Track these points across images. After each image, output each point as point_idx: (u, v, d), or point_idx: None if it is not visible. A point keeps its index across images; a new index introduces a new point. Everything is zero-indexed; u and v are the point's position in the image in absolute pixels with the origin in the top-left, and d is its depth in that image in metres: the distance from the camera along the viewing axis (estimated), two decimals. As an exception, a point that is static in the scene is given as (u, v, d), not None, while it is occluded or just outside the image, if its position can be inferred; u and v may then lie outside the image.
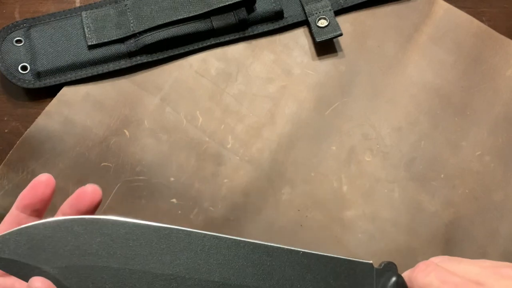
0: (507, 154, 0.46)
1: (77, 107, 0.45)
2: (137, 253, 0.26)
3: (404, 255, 0.43)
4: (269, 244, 0.28)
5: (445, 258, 0.31)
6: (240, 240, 0.28)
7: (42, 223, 0.26)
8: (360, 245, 0.43)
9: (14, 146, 0.44)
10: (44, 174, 0.29)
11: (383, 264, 0.30)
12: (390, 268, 0.30)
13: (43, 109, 0.45)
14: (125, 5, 0.46)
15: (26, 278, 0.26)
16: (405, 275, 0.31)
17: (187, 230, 0.27)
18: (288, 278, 0.28)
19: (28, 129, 0.44)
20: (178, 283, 0.26)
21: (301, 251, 0.28)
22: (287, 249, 0.28)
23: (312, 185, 0.44)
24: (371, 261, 0.30)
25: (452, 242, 0.43)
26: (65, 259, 0.26)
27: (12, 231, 0.26)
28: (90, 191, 0.29)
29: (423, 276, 0.29)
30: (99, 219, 0.27)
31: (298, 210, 0.43)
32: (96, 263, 0.26)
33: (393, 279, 0.30)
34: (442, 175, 0.45)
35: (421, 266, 0.30)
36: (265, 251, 0.28)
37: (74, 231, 0.26)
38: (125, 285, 0.26)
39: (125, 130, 0.45)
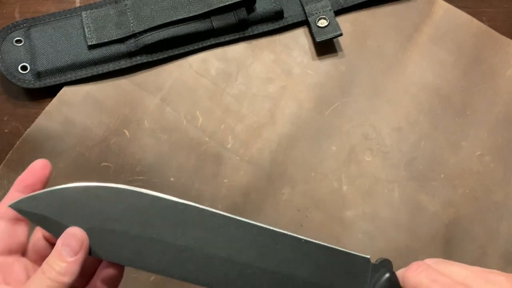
0: (507, 154, 0.46)
1: (77, 107, 0.45)
2: (154, 223, 0.29)
3: (404, 255, 0.43)
4: (274, 229, 0.30)
5: (439, 260, 0.32)
6: (248, 222, 0.30)
7: (72, 187, 0.29)
8: (360, 245, 0.43)
9: (14, 146, 0.44)
10: (40, 159, 0.31)
11: (379, 260, 0.32)
12: (385, 265, 0.32)
13: (43, 109, 0.45)
14: (125, 5, 0.46)
15: (55, 234, 0.28)
16: (399, 273, 0.32)
17: (200, 208, 0.30)
18: (288, 262, 0.30)
19: (28, 129, 0.44)
20: (188, 254, 0.29)
21: (303, 238, 0.30)
22: (291, 235, 0.30)
23: (312, 185, 0.44)
24: (368, 256, 0.32)
25: (452, 242, 0.43)
26: (89, 221, 0.29)
27: (45, 191, 0.28)
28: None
29: (414, 275, 0.30)
30: (124, 188, 0.29)
31: (298, 210, 0.43)
32: (117, 228, 0.29)
33: (386, 275, 0.31)
34: (442, 175, 0.45)
35: (413, 266, 0.31)
36: (270, 235, 0.30)
37: (100, 196, 0.29)
38: (141, 251, 0.29)
39: (125, 130, 0.45)
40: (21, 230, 0.30)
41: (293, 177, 0.44)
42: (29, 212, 0.28)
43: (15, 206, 0.28)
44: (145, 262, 0.29)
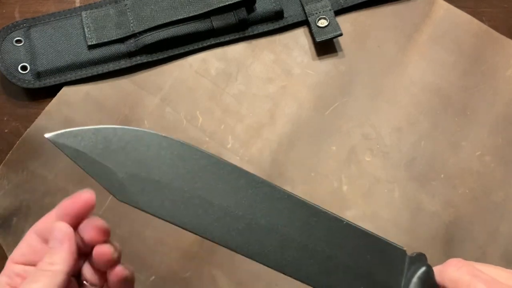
0: (507, 154, 0.46)
1: (77, 107, 0.45)
2: (200, 180, 0.28)
3: (404, 255, 0.43)
4: (318, 206, 0.30)
5: (470, 261, 0.31)
6: (293, 195, 0.29)
7: (121, 129, 0.27)
8: None
9: (14, 146, 0.44)
10: (87, 191, 0.30)
11: (415, 254, 0.31)
12: (421, 258, 0.31)
13: (43, 109, 0.45)
14: (125, 5, 0.46)
15: (95, 175, 0.27)
16: (436, 268, 0.31)
17: (248, 173, 0.29)
18: (329, 242, 0.29)
19: (28, 129, 0.44)
20: (231, 218, 0.28)
21: (345, 220, 0.30)
22: (333, 215, 0.30)
23: (312, 185, 0.44)
24: (405, 248, 0.31)
25: (452, 242, 0.43)
26: (135, 167, 0.27)
27: (92, 128, 0.27)
28: (84, 198, 0.30)
29: (454, 270, 0.29)
30: (174, 139, 0.28)
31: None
32: (161, 178, 0.27)
33: (423, 268, 0.30)
34: (442, 175, 0.45)
35: (453, 261, 0.30)
36: (312, 211, 0.29)
37: (148, 143, 0.28)
38: (183, 206, 0.27)
39: (125, 130, 0.45)
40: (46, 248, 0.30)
41: (293, 177, 0.44)
42: (69, 147, 0.27)
43: (55, 139, 0.27)
44: (186, 219, 0.28)
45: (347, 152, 0.45)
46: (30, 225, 0.41)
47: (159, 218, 0.28)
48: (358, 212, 0.44)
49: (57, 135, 0.27)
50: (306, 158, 0.45)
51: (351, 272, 0.29)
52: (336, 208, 0.44)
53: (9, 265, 0.30)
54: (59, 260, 0.28)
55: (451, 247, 0.43)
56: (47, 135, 0.27)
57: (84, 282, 0.31)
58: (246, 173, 0.29)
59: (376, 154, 0.45)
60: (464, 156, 0.45)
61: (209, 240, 0.28)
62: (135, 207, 0.27)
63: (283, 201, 0.29)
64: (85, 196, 0.30)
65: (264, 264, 0.28)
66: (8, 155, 0.43)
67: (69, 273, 0.28)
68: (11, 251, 0.41)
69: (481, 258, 0.43)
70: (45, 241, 0.30)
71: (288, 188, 0.44)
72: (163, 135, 0.28)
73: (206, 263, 0.41)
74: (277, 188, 0.29)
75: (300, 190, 0.44)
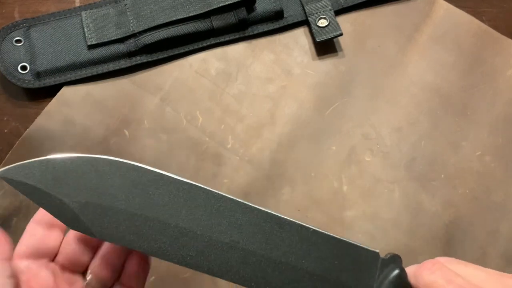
0: (507, 154, 0.46)
1: (77, 107, 0.45)
2: (155, 202, 0.27)
3: (404, 255, 0.42)
4: (282, 216, 0.29)
5: (452, 260, 0.30)
6: (254, 207, 0.29)
7: (68, 157, 0.27)
8: (360, 245, 0.43)
9: (14, 146, 0.43)
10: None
11: (389, 255, 0.31)
12: (395, 260, 0.31)
13: (42, 109, 0.45)
14: (125, 5, 0.46)
15: (47, 207, 0.27)
16: (410, 270, 0.31)
17: (206, 189, 0.28)
18: (295, 251, 0.29)
19: (27, 129, 0.44)
20: (189, 237, 0.27)
21: (312, 228, 0.29)
22: (299, 223, 0.29)
23: (312, 185, 0.44)
24: (377, 250, 0.30)
25: (452, 242, 0.43)
26: (86, 195, 0.27)
27: (37, 160, 0.27)
28: None
29: (428, 274, 0.29)
30: (125, 162, 0.27)
31: (298, 210, 0.43)
32: (114, 204, 0.27)
33: (396, 271, 0.30)
34: (442, 175, 0.45)
35: (427, 264, 0.30)
36: (277, 222, 0.29)
37: (98, 170, 0.27)
38: (138, 230, 0.27)
39: (125, 130, 0.45)
40: (54, 235, 0.29)
41: (293, 177, 0.44)
42: (18, 182, 0.26)
43: (3, 175, 0.26)
44: (142, 243, 0.27)
45: (347, 152, 0.45)
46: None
47: (116, 244, 0.27)
48: (358, 212, 0.44)
49: (4, 170, 0.26)
50: (306, 158, 0.45)
51: (317, 279, 0.29)
52: (336, 208, 0.44)
53: (4, 264, 0.27)
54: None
55: (451, 247, 0.43)
56: None
57: (88, 277, 0.30)
58: (203, 190, 0.28)
59: (376, 154, 0.45)
60: (464, 156, 0.45)
61: (171, 261, 0.27)
62: (90, 236, 0.27)
63: (245, 215, 0.28)
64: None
65: (227, 280, 0.28)
66: (8, 155, 0.43)
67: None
68: (11, 251, 0.41)
69: (481, 258, 0.43)
70: (49, 226, 0.29)
71: (288, 188, 0.44)
72: (112, 158, 0.28)
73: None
74: (237, 202, 0.28)
75: (300, 190, 0.44)
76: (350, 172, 0.44)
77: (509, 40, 0.49)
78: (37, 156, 0.43)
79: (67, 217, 0.27)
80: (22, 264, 0.28)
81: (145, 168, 0.28)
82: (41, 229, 0.29)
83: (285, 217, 0.29)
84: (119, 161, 0.28)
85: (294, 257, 0.29)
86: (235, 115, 0.46)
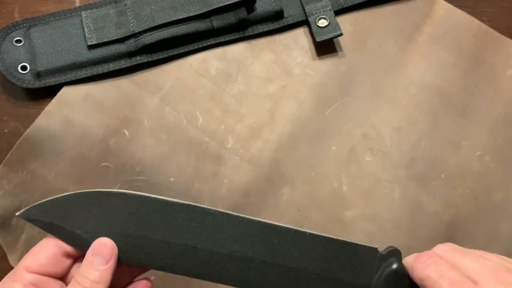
0: (507, 154, 0.45)
1: (77, 107, 0.45)
2: (157, 225, 0.30)
3: (404, 255, 0.42)
4: (278, 224, 0.31)
5: (452, 248, 0.31)
6: (250, 219, 0.31)
7: (76, 194, 0.30)
8: None
9: (14, 146, 0.43)
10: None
11: (387, 250, 0.32)
12: (394, 254, 0.32)
13: (43, 109, 0.45)
14: (125, 5, 0.46)
15: (63, 238, 0.30)
16: (408, 261, 0.31)
17: (202, 207, 0.30)
18: (293, 255, 0.30)
19: (28, 129, 0.44)
20: (192, 252, 0.30)
21: (307, 232, 0.31)
22: (295, 229, 0.31)
23: (312, 185, 0.44)
24: (376, 246, 0.31)
25: (452, 242, 0.43)
26: (94, 225, 0.30)
27: (47, 200, 0.30)
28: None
29: (422, 268, 0.29)
30: (125, 193, 0.30)
31: (298, 210, 0.43)
32: (121, 230, 0.30)
33: (394, 266, 0.31)
34: (442, 175, 0.45)
35: (423, 257, 0.30)
36: (274, 230, 0.31)
37: (101, 202, 0.30)
38: (143, 251, 0.30)
39: (125, 130, 0.45)
40: (68, 262, 0.30)
41: (293, 177, 0.44)
42: (37, 220, 0.30)
43: (23, 216, 0.30)
44: (150, 261, 0.30)
45: (347, 152, 0.45)
46: (30, 225, 0.42)
47: (129, 263, 0.30)
48: (358, 212, 0.44)
49: (25, 212, 0.30)
50: (306, 158, 0.45)
51: (317, 278, 0.30)
52: (336, 208, 0.44)
53: (22, 272, 0.28)
54: (103, 280, 0.28)
55: (451, 247, 0.43)
56: (18, 214, 0.30)
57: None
58: (200, 209, 0.30)
59: (376, 154, 0.45)
60: (464, 156, 0.45)
61: (178, 274, 0.31)
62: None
63: (241, 228, 0.30)
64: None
65: (230, 285, 0.30)
66: (8, 155, 0.43)
67: None
68: (10, 251, 0.41)
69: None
70: (66, 255, 0.30)
71: (288, 188, 0.44)
72: (113, 191, 0.30)
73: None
74: (233, 216, 0.30)
75: (300, 190, 0.44)
76: (350, 172, 0.44)
77: (509, 40, 0.49)
78: (37, 157, 0.43)
79: (81, 245, 0.30)
80: (32, 277, 0.29)
81: (145, 196, 0.30)
82: (59, 253, 0.30)
83: (281, 225, 0.31)
84: (119, 192, 0.30)
85: (293, 260, 0.30)
86: (235, 115, 0.46)
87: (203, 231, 0.30)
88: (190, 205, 0.30)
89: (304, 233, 0.31)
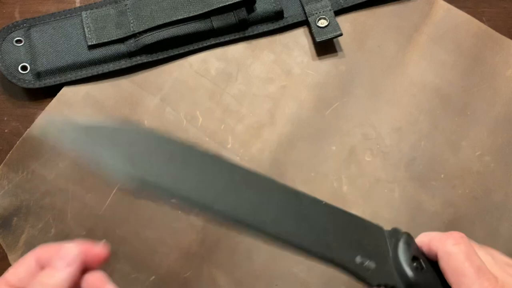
0: (507, 154, 0.46)
1: (77, 107, 0.45)
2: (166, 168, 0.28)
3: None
4: (298, 190, 0.31)
5: (475, 244, 0.31)
6: (273, 180, 0.31)
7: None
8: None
9: (14, 146, 0.44)
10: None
11: (391, 228, 0.32)
12: (398, 231, 0.32)
13: (43, 109, 0.45)
14: (125, 5, 0.46)
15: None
16: (428, 235, 0.31)
17: (225, 162, 0.30)
18: (316, 220, 0.30)
19: (28, 129, 0.44)
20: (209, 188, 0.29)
21: (323, 201, 0.31)
22: (312, 197, 0.31)
23: (312, 185, 0.44)
24: (381, 225, 0.32)
25: (452, 242, 0.43)
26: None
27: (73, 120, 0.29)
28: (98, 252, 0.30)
29: (452, 243, 0.29)
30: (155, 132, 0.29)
31: (325, 202, 0.43)
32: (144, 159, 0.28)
33: (405, 235, 0.31)
34: (442, 175, 0.45)
35: (455, 234, 0.30)
36: (294, 194, 0.31)
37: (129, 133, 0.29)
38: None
39: (125, 130, 0.45)
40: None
41: (293, 177, 0.44)
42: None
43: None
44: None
45: (347, 152, 0.45)
46: (30, 225, 0.42)
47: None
48: (358, 212, 0.43)
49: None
50: (306, 158, 0.45)
51: (344, 241, 0.30)
52: (336, 208, 0.44)
53: (2, 286, 0.28)
54: (60, 282, 0.27)
55: (451, 247, 0.43)
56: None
57: None
58: (226, 163, 0.30)
59: (376, 154, 0.45)
60: (464, 156, 0.45)
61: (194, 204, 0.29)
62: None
63: (263, 186, 0.31)
64: (99, 251, 0.30)
65: (265, 234, 0.29)
66: (8, 155, 0.43)
67: None
68: (11, 251, 0.41)
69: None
70: (43, 268, 0.29)
71: (288, 188, 0.44)
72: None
73: (206, 263, 0.41)
74: (254, 173, 0.31)
75: (300, 190, 0.44)
76: (350, 172, 0.44)
77: (509, 40, 0.49)
78: (37, 157, 0.43)
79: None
80: None
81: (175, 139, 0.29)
82: (36, 267, 0.29)
83: (300, 191, 0.32)
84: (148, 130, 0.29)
85: (319, 223, 0.30)
86: (235, 115, 0.46)
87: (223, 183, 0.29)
88: (213, 155, 0.30)
89: (320, 201, 0.31)
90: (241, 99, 0.46)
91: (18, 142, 0.44)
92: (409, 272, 0.29)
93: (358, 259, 0.30)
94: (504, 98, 0.47)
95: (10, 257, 0.41)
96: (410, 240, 0.31)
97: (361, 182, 0.44)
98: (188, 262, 0.41)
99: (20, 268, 0.29)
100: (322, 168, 0.44)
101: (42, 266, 0.29)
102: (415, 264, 0.30)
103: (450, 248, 0.29)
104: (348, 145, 0.45)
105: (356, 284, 0.33)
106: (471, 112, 0.47)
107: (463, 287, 0.28)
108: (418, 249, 0.31)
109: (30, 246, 0.41)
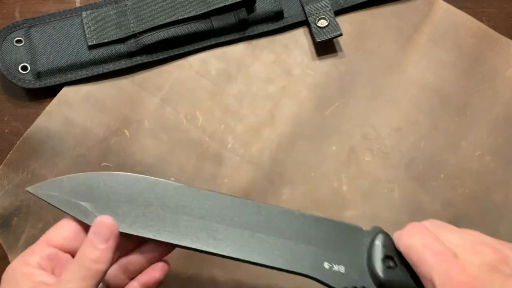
0: (507, 154, 0.46)
1: (77, 107, 0.45)
2: (168, 201, 0.31)
3: (404, 255, 0.43)
4: (267, 204, 0.32)
5: (436, 223, 0.32)
6: (242, 200, 0.32)
7: (82, 175, 0.32)
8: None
9: (14, 146, 0.44)
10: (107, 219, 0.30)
11: (371, 228, 0.33)
12: (377, 229, 0.33)
13: (43, 109, 0.45)
14: (125, 5, 0.46)
15: (75, 213, 0.30)
16: (397, 233, 0.32)
17: (196, 191, 0.32)
18: (285, 231, 0.32)
19: (28, 129, 0.44)
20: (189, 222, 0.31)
21: (296, 211, 0.32)
22: (284, 209, 0.32)
23: (312, 185, 0.44)
24: (360, 225, 0.33)
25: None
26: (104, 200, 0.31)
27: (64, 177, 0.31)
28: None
29: (408, 237, 0.31)
30: (131, 175, 0.32)
31: (298, 210, 0.43)
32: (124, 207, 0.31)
33: (380, 234, 0.32)
34: (442, 175, 0.45)
35: (410, 227, 0.32)
36: (264, 209, 0.32)
37: (107, 184, 0.31)
38: (153, 222, 0.31)
39: (125, 130, 0.45)
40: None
41: (293, 177, 0.44)
42: (46, 195, 0.30)
43: (33, 190, 0.30)
44: (157, 232, 0.31)
45: (347, 152, 0.45)
46: (31, 225, 0.42)
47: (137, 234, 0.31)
48: (358, 212, 0.44)
49: (34, 188, 0.31)
50: (306, 158, 0.45)
51: (312, 249, 0.31)
52: (336, 208, 0.44)
53: (42, 245, 0.29)
54: (103, 259, 0.28)
55: (451, 247, 0.43)
56: (27, 188, 0.31)
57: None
58: (211, 193, 0.32)
59: (376, 154, 0.45)
60: (464, 156, 0.45)
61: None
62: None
63: (238, 207, 0.32)
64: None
65: (234, 259, 0.30)
66: (9, 155, 0.43)
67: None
68: (11, 251, 0.41)
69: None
70: (86, 230, 0.30)
71: (288, 188, 0.44)
72: (120, 173, 0.32)
73: (206, 263, 0.41)
74: (230, 197, 0.32)
75: (300, 190, 0.44)
76: (350, 172, 0.44)
77: (509, 40, 0.49)
78: (37, 157, 0.43)
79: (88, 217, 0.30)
80: (51, 251, 0.29)
81: (149, 178, 0.32)
82: (79, 228, 0.30)
83: (269, 204, 0.32)
84: (125, 175, 0.32)
85: (288, 236, 0.31)
86: (235, 115, 0.46)
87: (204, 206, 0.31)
88: (192, 188, 0.32)
89: (292, 211, 0.32)
90: (241, 99, 0.46)
91: (18, 142, 0.44)
92: (379, 271, 0.30)
93: (326, 265, 0.30)
94: (504, 98, 0.47)
95: (10, 257, 0.41)
96: (385, 239, 0.32)
97: (361, 182, 0.44)
98: (188, 262, 0.41)
99: (62, 229, 0.30)
100: (322, 168, 0.44)
101: (85, 228, 0.30)
102: (389, 262, 0.31)
103: (408, 242, 0.30)
104: (348, 145, 0.45)
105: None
106: (471, 112, 0.47)
107: (427, 275, 0.29)
108: (394, 248, 0.31)
109: (30, 246, 0.41)
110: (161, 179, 0.32)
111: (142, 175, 0.32)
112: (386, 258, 0.31)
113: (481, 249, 0.29)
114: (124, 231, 0.30)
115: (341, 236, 0.32)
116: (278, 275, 0.31)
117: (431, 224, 0.32)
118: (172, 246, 0.32)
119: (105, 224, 0.29)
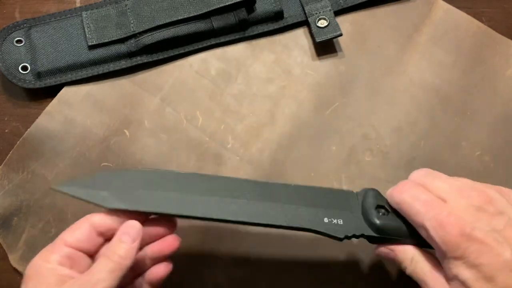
0: (507, 154, 0.46)
1: (77, 107, 0.45)
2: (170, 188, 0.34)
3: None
4: (269, 181, 0.36)
5: (425, 172, 0.35)
6: (242, 180, 0.35)
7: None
8: (360, 245, 0.43)
9: (15, 146, 0.44)
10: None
11: (362, 190, 0.37)
12: (366, 189, 0.36)
13: (43, 109, 0.45)
14: (125, 5, 0.46)
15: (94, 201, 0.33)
16: (388, 192, 0.35)
17: (207, 176, 0.36)
18: (286, 198, 0.35)
19: (28, 129, 0.44)
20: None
21: (292, 184, 0.36)
22: (280, 183, 0.36)
23: (312, 184, 0.44)
24: (352, 190, 0.37)
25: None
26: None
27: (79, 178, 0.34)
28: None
29: (398, 194, 0.33)
30: (146, 171, 0.35)
31: (295, 184, 0.43)
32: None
33: (371, 190, 0.36)
34: (442, 175, 0.45)
35: (399, 185, 0.34)
36: (264, 185, 0.36)
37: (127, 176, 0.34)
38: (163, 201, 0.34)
39: (125, 130, 0.45)
40: (99, 241, 0.33)
41: (293, 177, 0.44)
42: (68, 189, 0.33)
43: (56, 188, 0.33)
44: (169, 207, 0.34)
45: (347, 152, 0.45)
46: (31, 225, 0.42)
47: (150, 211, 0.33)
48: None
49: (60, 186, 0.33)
50: (306, 158, 0.45)
51: (312, 209, 0.35)
52: (336, 208, 0.44)
53: (60, 245, 0.31)
54: (129, 255, 0.30)
55: (451, 247, 0.43)
56: (51, 187, 0.34)
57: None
58: (210, 176, 0.36)
59: (376, 154, 0.45)
60: (464, 156, 0.45)
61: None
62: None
63: (239, 185, 0.35)
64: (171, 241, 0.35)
65: (237, 221, 0.34)
66: (9, 155, 0.43)
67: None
68: (11, 251, 0.41)
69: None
70: (99, 234, 0.32)
71: (288, 188, 0.44)
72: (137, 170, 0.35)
73: (206, 262, 0.41)
74: (229, 178, 0.36)
75: (271, 181, 0.44)
76: (350, 172, 0.45)
77: (508, 40, 0.49)
78: (37, 157, 0.43)
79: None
80: (69, 251, 0.31)
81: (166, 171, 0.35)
82: (94, 232, 0.32)
83: (268, 181, 0.36)
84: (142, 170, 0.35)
85: (289, 201, 0.35)
86: (235, 115, 0.46)
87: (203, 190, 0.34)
88: (195, 174, 0.35)
89: (290, 185, 0.36)
90: (241, 99, 0.46)
91: (18, 142, 0.44)
92: (375, 218, 0.34)
93: (326, 220, 0.34)
94: (504, 98, 0.47)
95: (10, 257, 0.41)
96: (375, 193, 0.36)
97: (361, 182, 0.44)
98: (188, 262, 0.41)
99: (77, 231, 0.32)
100: (322, 168, 0.45)
101: (99, 232, 0.32)
102: (381, 211, 0.35)
103: (398, 198, 0.33)
104: (348, 145, 0.45)
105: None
106: (471, 112, 0.47)
107: (419, 223, 0.32)
108: (385, 201, 0.35)
109: (30, 246, 0.41)
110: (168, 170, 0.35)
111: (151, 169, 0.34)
112: (378, 207, 0.35)
113: (468, 193, 0.32)
114: (142, 210, 0.33)
115: (337, 198, 0.36)
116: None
117: (419, 174, 0.34)
118: (188, 218, 0.34)
119: (133, 227, 0.31)
